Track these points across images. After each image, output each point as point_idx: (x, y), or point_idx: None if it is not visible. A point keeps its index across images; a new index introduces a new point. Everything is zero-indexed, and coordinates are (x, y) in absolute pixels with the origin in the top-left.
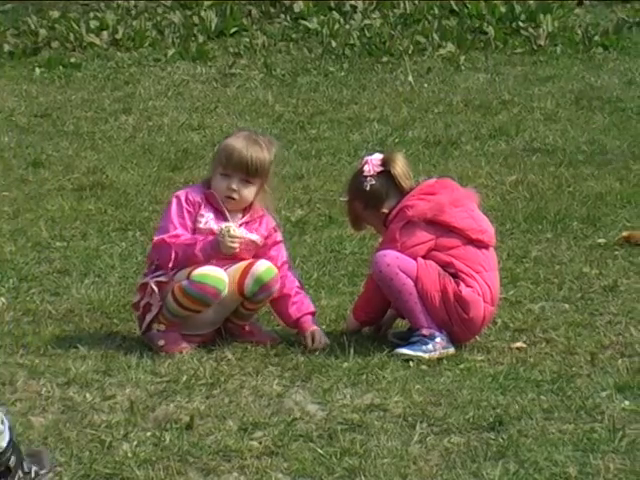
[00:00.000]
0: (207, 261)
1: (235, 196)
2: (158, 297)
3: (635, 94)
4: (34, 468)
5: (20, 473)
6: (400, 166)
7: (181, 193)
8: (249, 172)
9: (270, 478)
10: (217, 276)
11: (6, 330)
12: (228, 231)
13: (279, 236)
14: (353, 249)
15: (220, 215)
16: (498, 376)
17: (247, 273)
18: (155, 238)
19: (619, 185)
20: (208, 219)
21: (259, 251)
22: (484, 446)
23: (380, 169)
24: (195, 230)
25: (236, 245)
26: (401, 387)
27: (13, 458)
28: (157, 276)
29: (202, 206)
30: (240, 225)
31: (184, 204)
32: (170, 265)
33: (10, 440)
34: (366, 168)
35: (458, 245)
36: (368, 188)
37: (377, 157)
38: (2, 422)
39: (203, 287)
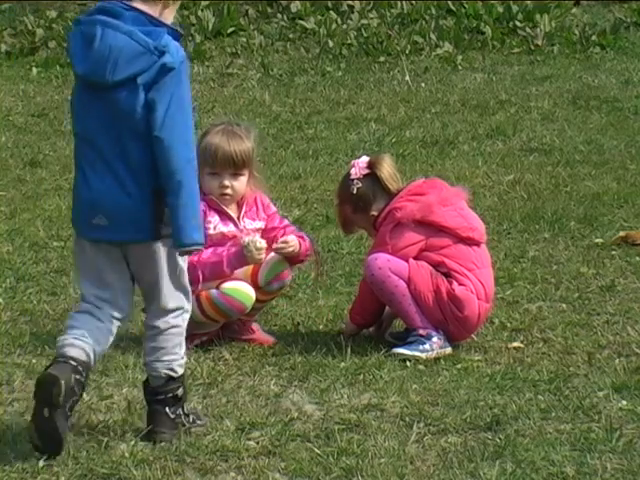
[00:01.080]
0: (233, 273)
1: (229, 192)
2: None
3: (632, 94)
4: (192, 415)
5: (182, 410)
6: (386, 168)
7: None
8: (237, 166)
9: (267, 478)
10: (247, 293)
11: (3, 330)
12: (255, 244)
13: (273, 208)
14: (350, 249)
15: (224, 216)
16: (495, 376)
17: (261, 263)
18: None
19: (616, 185)
20: (215, 223)
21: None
22: (481, 446)
23: (366, 172)
24: (206, 237)
25: (263, 256)
26: (398, 387)
27: (182, 390)
28: None
29: (207, 213)
30: (242, 218)
31: None
32: (200, 285)
33: (183, 374)
34: (352, 171)
35: (449, 244)
36: (355, 191)
37: (363, 160)
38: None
39: (232, 301)
